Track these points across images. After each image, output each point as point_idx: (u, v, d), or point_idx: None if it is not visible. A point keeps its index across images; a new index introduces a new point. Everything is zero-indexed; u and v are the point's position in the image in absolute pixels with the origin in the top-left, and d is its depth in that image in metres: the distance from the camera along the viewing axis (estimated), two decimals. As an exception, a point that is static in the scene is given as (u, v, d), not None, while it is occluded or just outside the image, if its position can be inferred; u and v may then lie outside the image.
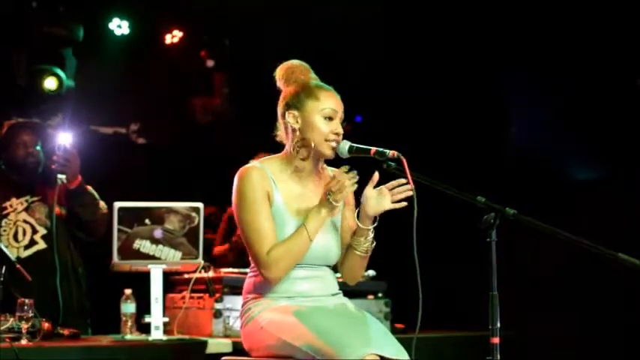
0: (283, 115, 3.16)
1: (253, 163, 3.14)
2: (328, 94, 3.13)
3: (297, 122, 3.12)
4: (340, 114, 3.13)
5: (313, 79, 3.20)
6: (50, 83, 5.97)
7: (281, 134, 3.20)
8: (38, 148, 4.51)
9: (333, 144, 3.10)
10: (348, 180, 3.00)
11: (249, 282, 3.19)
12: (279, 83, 3.22)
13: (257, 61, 6.60)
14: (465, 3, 6.18)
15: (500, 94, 6.32)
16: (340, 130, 3.12)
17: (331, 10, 6.25)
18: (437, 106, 6.35)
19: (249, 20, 6.40)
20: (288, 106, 3.14)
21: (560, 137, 5.98)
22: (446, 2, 6.22)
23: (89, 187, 4.46)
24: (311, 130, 3.10)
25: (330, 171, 3.25)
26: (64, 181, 4.33)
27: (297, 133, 3.12)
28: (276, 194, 3.10)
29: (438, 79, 6.29)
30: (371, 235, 3.14)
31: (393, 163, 3.02)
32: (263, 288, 3.12)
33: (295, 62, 3.23)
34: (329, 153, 3.12)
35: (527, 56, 6.04)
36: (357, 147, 3.11)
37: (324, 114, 3.10)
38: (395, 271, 4.44)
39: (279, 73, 3.22)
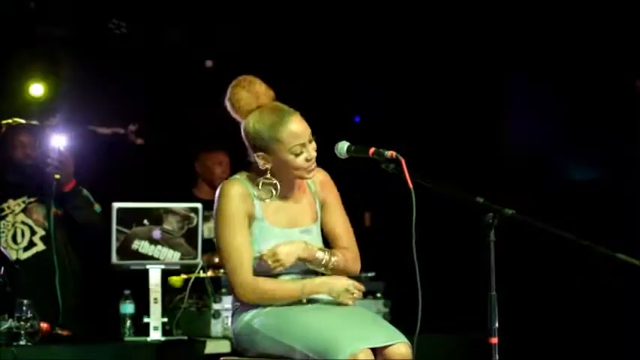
0: (251, 147, 3.12)
1: (236, 177, 3.15)
2: (290, 130, 3.05)
3: (268, 162, 3.09)
4: (307, 137, 3.08)
5: (262, 98, 3.11)
6: (36, 90, 5.93)
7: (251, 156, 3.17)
8: (36, 149, 4.50)
9: (311, 173, 3.10)
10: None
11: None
12: (232, 113, 3.15)
13: (256, 61, 6.61)
14: (464, 3, 6.18)
15: (500, 93, 6.31)
16: (312, 155, 3.08)
17: (330, 10, 6.25)
18: (436, 106, 6.34)
19: (249, 19, 6.40)
20: (255, 148, 3.10)
21: (560, 137, 5.98)
22: (446, 2, 6.22)
23: (84, 190, 4.47)
24: (285, 168, 3.09)
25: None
26: (60, 182, 4.34)
27: (269, 172, 3.11)
28: (257, 209, 3.10)
29: (437, 79, 6.28)
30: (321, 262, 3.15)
31: (391, 164, 3.02)
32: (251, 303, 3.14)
33: (236, 88, 3.12)
34: (309, 176, 3.13)
35: (526, 56, 6.03)
36: (355, 147, 3.11)
37: (292, 152, 3.06)
38: (393, 271, 4.43)
39: (227, 104, 3.14)
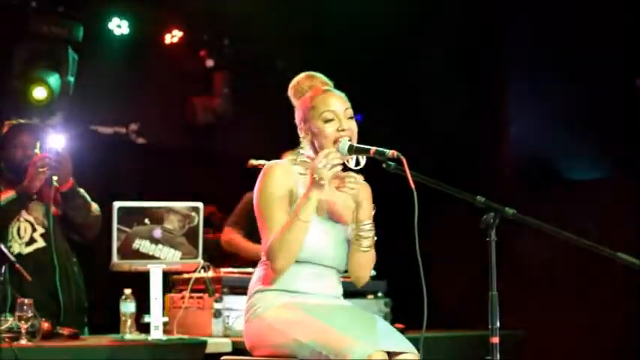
0: (297, 121, 3.24)
1: (282, 160, 3.22)
2: (324, 98, 3.17)
3: (308, 134, 3.19)
4: (343, 111, 3.16)
5: (319, 85, 3.24)
6: (39, 93, 5.92)
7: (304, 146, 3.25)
8: (36, 150, 4.51)
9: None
10: (332, 156, 3.02)
11: (256, 275, 3.23)
12: (293, 101, 3.29)
13: (257, 61, 6.62)
14: (465, 2, 6.18)
15: (501, 93, 6.31)
16: (345, 126, 3.14)
17: (330, 9, 6.26)
18: (436, 105, 6.34)
19: (248, 19, 6.40)
20: (299, 122, 3.23)
21: (560, 137, 5.98)
22: (447, 1, 6.22)
23: (81, 190, 4.47)
24: (319, 138, 3.15)
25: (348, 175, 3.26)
26: (58, 182, 4.35)
27: (311, 144, 3.18)
28: (300, 189, 3.13)
29: (438, 79, 6.28)
30: (365, 230, 3.15)
31: (392, 163, 3.01)
32: (268, 281, 3.16)
33: (301, 76, 3.29)
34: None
35: (527, 56, 6.03)
36: (356, 146, 3.11)
37: (323, 118, 3.14)
38: (395, 270, 4.44)
39: (289, 92, 3.30)
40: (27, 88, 5.91)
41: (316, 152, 3.15)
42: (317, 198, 3.05)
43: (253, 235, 5.10)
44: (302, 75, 3.30)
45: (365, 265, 3.23)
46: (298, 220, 3.04)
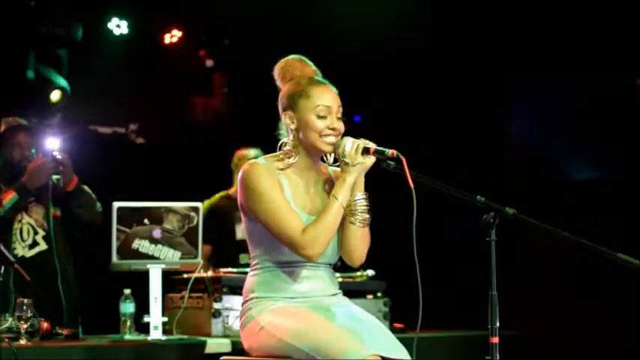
0: (282, 108, 3.15)
1: (256, 160, 3.13)
2: (320, 91, 3.10)
3: (294, 123, 3.10)
4: (336, 108, 3.10)
5: (310, 73, 3.16)
6: (55, 95, 5.97)
7: (283, 133, 3.19)
8: (33, 151, 4.51)
9: (330, 139, 3.07)
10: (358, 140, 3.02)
11: (250, 280, 3.17)
12: (277, 81, 3.20)
13: (256, 61, 6.62)
14: (466, 3, 6.18)
15: (501, 93, 6.31)
16: (336, 125, 3.08)
17: (329, 8, 6.26)
18: (437, 105, 6.34)
19: (248, 19, 6.40)
20: (284, 108, 3.13)
21: (560, 137, 5.98)
22: (447, 2, 6.22)
23: (85, 187, 4.49)
24: (306, 130, 3.08)
25: (332, 170, 3.24)
26: (61, 183, 4.36)
27: (295, 133, 3.11)
28: (284, 184, 3.09)
29: (438, 79, 6.28)
30: (360, 204, 3.09)
31: (392, 162, 3.01)
32: (264, 287, 3.11)
33: (291, 58, 3.20)
34: (326, 148, 3.08)
35: (527, 56, 6.03)
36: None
37: (316, 112, 3.07)
38: (394, 270, 4.43)
39: (276, 71, 3.20)
40: (39, 90, 5.94)
41: (299, 142, 3.10)
42: (352, 181, 3.03)
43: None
44: (292, 56, 3.20)
45: (361, 244, 3.13)
46: (339, 205, 3.01)
